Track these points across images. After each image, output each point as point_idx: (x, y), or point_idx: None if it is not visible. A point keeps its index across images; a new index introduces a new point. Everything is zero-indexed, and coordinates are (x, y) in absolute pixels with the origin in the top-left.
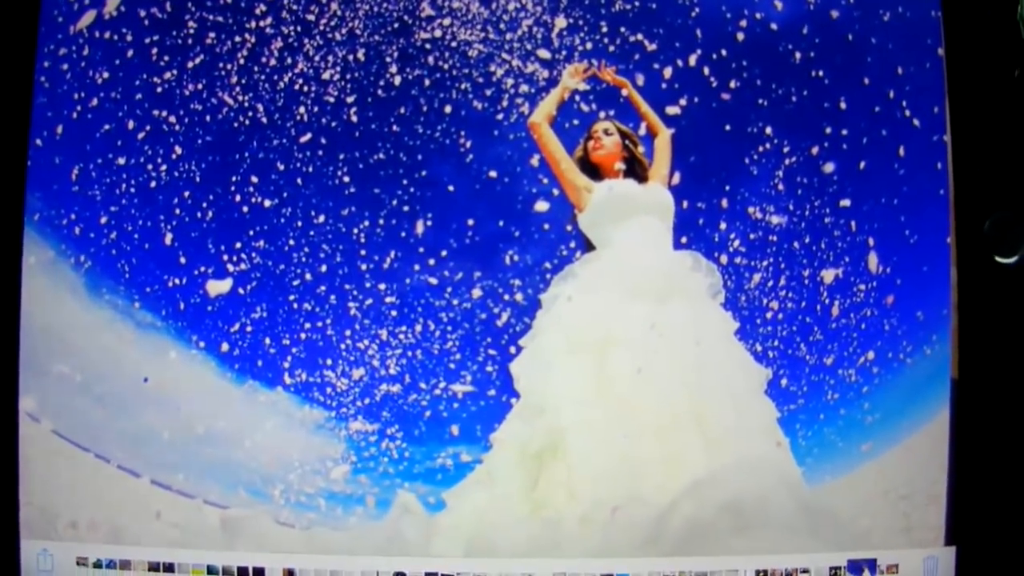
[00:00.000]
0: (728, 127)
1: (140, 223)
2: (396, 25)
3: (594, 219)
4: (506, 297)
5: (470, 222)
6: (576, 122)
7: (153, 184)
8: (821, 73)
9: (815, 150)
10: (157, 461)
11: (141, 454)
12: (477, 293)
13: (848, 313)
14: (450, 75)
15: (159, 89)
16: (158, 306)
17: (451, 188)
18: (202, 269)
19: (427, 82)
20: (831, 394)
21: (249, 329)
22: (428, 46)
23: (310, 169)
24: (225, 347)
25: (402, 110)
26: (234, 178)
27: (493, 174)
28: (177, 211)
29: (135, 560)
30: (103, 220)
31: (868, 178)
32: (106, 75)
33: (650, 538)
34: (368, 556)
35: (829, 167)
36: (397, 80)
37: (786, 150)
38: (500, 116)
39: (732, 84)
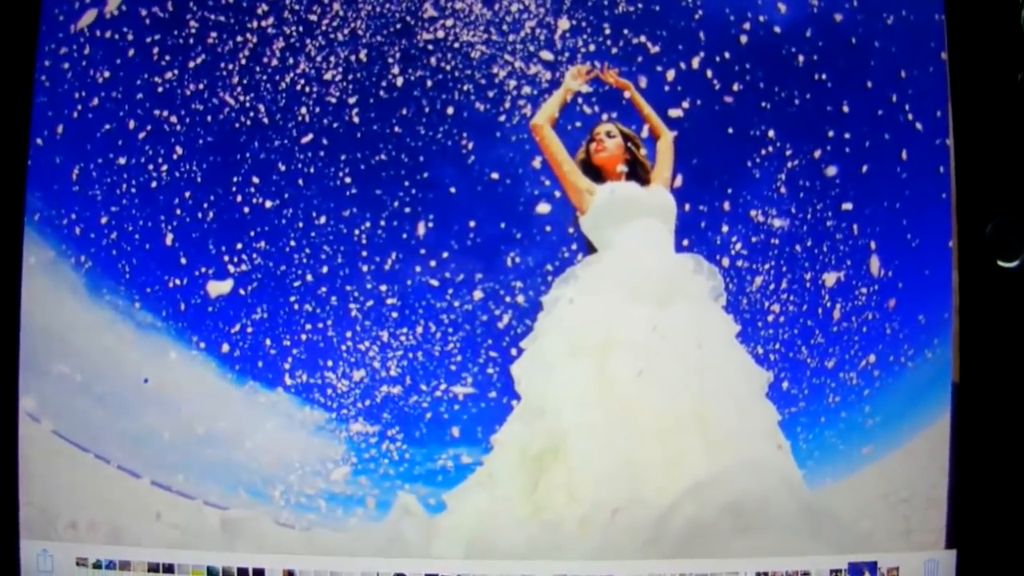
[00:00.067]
0: (731, 130)
1: (141, 223)
2: (398, 26)
3: (596, 221)
4: (507, 299)
5: (472, 224)
6: (578, 124)
7: (154, 184)
8: (824, 76)
9: (817, 153)
10: (157, 462)
11: (141, 455)
12: (478, 295)
13: (849, 316)
14: (452, 76)
15: (160, 89)
16: (159, 307)
17: (453, 190)
18: (203, 270)
19: (429, 83)
20: (832, 397)
21: (250, 330)
22: (430, 47)
23: (311, 170)
24: (226, 348)
25: (404, 111)
26: (235, 178)
27: (495, 176)
28: (178, 211)
29: (135, 561)
30: (103, 220)
31: (870, 181)
32: (107, 74)
33: (650, 540)
34: (368, 557)
35: (831, 170)
36: (399, 81)
37: (788, 153)
38: (502, 118)
39: (735, 87)
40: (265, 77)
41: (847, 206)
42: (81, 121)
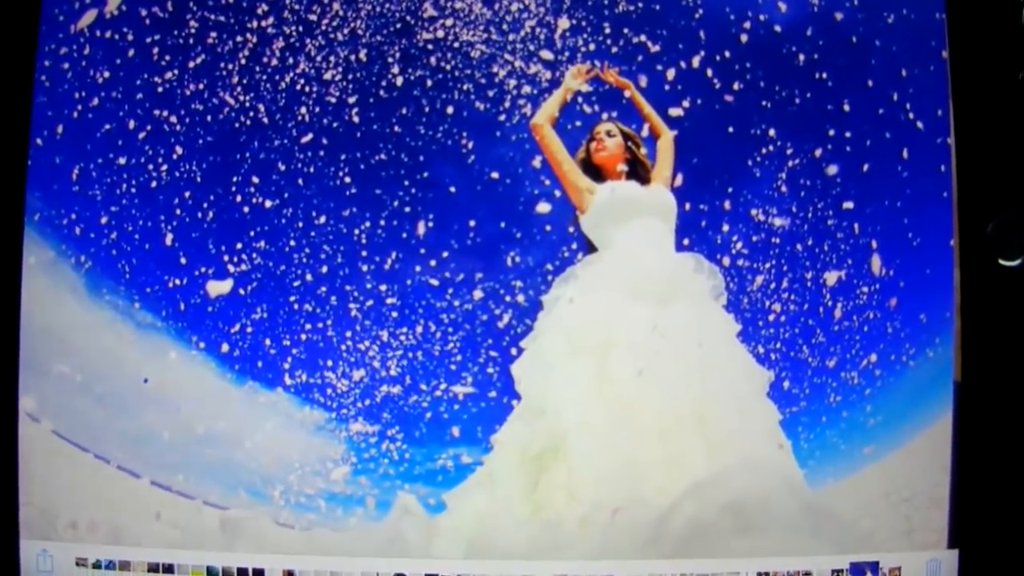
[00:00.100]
0: (731, 129)
1: (141, 223)
2: (398, 25)
3: (596, 221)
4: (507, 299)
5: (472, 223)
6: (578, 123)
7: (154, 184)
8: (825, 75)
9: (818, 152)
10: (157, 462)
11: (141, 455)
12: (478, 294)
13: (851, 315)
14: (452, 76)
15: (160, 89)
16: (158, 306)
17: (453, 189)
18: (203, 270)
19: (429, 83)
20: (833, 396)
21: (249, 330)
22: (430, 47)
23: (311, 170)
24: (225, 348)
25: (404, 111)
26: (235, 178)
27: (495, 175)
28: (178, 211)
29: (135, 561)
30: (103, 220)
31: (871, 180)
32: (107, 74)
33: (651, 540)
34: (368, 557)
35: (832, 169)
36: (399, 81)
37: (789, 152)
38: (502, 117)
39: (735, 86)
40: (265, 77)
41: (848, 205)
42: (81, 121)
